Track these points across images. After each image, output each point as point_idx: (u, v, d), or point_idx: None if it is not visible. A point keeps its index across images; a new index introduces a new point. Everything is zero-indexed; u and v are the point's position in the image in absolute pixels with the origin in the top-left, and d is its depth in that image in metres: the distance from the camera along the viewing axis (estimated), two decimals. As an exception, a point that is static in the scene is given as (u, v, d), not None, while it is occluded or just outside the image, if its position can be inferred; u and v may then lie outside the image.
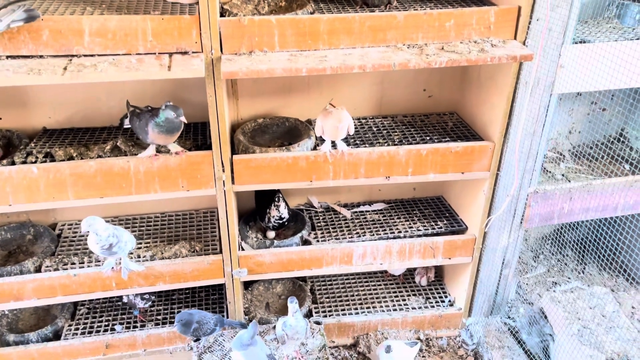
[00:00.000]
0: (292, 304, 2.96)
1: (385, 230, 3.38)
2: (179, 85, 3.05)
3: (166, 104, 2.54)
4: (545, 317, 3.26)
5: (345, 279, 3.78)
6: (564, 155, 3.66)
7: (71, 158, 2.76)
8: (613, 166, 3.41)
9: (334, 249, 3.16)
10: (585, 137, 3.69)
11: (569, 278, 3.88)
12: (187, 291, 3.54)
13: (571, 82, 2.76)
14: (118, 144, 2.83)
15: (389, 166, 2.90)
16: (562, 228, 4.10)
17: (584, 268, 3.98)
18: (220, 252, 3.07)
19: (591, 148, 3.60)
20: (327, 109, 2.80)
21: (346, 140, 3.03)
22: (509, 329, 3.45)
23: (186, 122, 2.59)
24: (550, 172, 3.47)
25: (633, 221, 3.44)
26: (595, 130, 3.65)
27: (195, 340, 3.08)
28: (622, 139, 3.66)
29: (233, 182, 2.83)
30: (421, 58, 2.45)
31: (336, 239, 3.30)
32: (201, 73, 2.33)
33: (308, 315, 3.45)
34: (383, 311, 3.51)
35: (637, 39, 2.83)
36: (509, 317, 3.51)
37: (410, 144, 3.03)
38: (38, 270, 2.98)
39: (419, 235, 3.32)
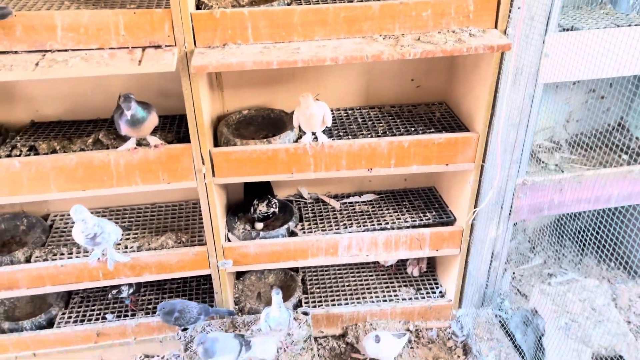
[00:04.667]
0: (276, 296, 2.97)
1: (372, 221, 3.35)
2: (163, 76, 3.03)
3: (123, 95, 2.53)
4: (536, 310, 3.21)
5: (337, 270, 3.77)
6: (560, 145, 3.57)
7: (54, 151, 2.80)
8: (610, 156, 3.31)
9: (319, 241, 3.15)
10: (583, 125, 3.58)
11: (566, 270, 3.81)
12: (178, 281, 3.59)
13: (557, 71, 2.68)
14: (100, 137, 2.86)
15: (370, 158, 2.87)
16: (561, 218, 4.01)
17: (581, 259, 3.89)
18: (205, 243, 3.09)
19: (589, 137, 3.49)
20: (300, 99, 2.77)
21: (329, 131, 3.01)
22: (499, 321, 3.41)
23: (129, 117, 2.55)
24: (544, 162, 3.39)
25: (634, 212, 3.34)
26: (593, 119, 3.54)
27: (183, 330, 3.14)
28: (621, 128, 3.55)
29: (214, 175, 2.84)
30: (395, 49, 2.40)
31: (323, 230, 3.29)
32: (171, 67, 2.33)
33: (298, 305, 3.46)
34: (372, 302, 3.50)
35: (628, 25, 2.73)
36: (500, 309, 3.46)
37: (395, 135, 2.99)
38: (28, 260, 3.04)
39: (407, 227, 3.29)
